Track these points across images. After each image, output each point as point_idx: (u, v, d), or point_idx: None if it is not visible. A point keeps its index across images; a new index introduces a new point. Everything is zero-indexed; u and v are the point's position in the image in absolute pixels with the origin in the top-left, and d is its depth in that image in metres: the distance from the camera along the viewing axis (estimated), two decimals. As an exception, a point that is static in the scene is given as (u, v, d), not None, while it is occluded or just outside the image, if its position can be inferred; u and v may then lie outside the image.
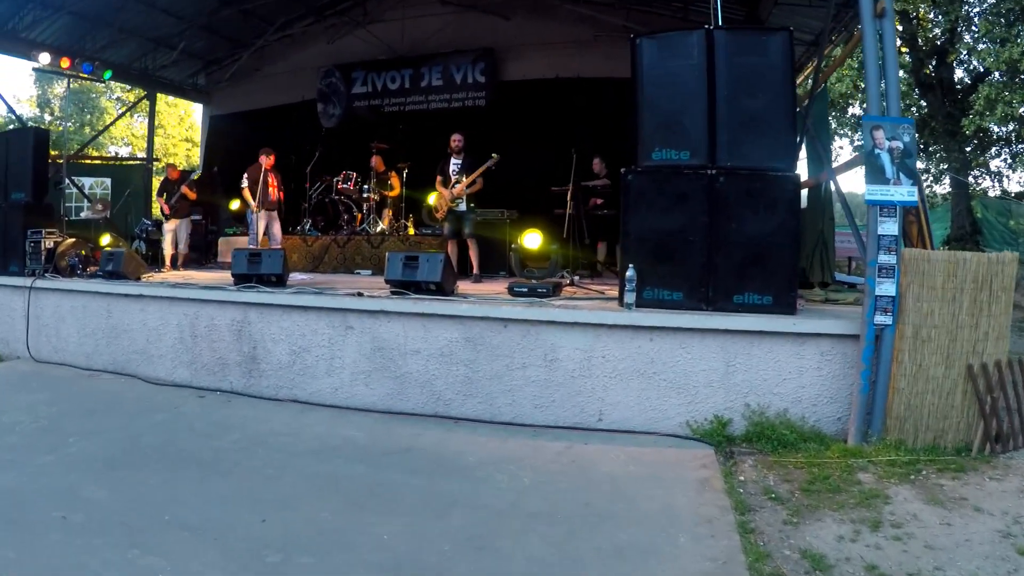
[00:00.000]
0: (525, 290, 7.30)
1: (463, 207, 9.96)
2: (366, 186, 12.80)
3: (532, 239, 8.21)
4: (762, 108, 6.30)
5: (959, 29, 20.36)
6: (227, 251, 12.88)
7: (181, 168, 14.10)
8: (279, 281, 8.34)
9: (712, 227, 6.26)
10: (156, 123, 23.19)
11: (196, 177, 13.01)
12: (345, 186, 12.98)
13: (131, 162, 19.67)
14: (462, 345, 6.68)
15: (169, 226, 12.56)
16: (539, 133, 13.04)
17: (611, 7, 13.47)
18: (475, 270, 10.03)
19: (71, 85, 29.73)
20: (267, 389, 7.53)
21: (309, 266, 12.28)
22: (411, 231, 12.38)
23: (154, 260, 12.91)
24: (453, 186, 9.87)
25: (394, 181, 13.12)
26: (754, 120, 6.31)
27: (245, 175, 11.12)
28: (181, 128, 39.28)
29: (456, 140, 10.17)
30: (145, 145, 22.18)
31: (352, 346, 7.12)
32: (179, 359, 8.13)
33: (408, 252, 7.91)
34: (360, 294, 7.37)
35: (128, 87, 25.85)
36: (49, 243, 9.85)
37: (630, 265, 6.33)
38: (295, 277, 10.00)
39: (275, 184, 11.20)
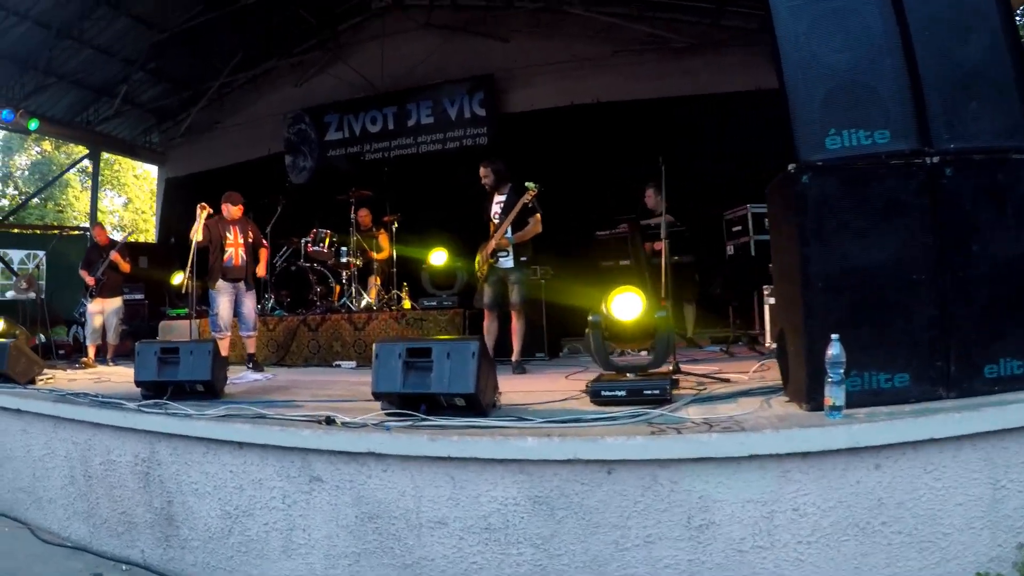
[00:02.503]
0: (621, 393, 4.29)
1: (508, 262, 7.22)
2: (344, 248, 9.97)
3: (628, 304, 4.80)
4: (980, 56, 3.81)
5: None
6: (169, 337, 10.18)
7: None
8: (209, 392, 5.57)
9: (942, 254, 3.67)
10: (125, 196, 20.88)
11: (129, 240, 10.39)
12: (317, 248, 10.05)
13: (73, 232, 17.01)
14: (527, 511, 3.69)
15: (94, 307, 9.90)
16: (558, 171, 10.10)
17: (630, 16, 11.49)
18: (515, 355, 7.30)
19: (33, 156, 28.35)
20: (194, 568, 4.67)
21: (272, 356, 9.39)
22: (407, 304, 9.61)
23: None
24: (492, 233, 7.29)
25: (382, 240, 10.50)
26: (973, 75, 3.80)
27: (199, 228, 8.05)
28: (153, 200, 36.63)
29: (483, 172, 7.46)
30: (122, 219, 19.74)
31: (323, 510, 4.18)
32: (73, 507, 5.42)
33: (411, 341, 4.84)
34: (330, 421, 4.28)
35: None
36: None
37: (834, 338, 3.43)
38: (245, 378, 7.37)
39: (244, 242, 8.26)
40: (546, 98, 12.22)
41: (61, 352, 11.04)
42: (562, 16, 12.02)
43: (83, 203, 32.54)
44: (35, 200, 29.38)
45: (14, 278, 13.41)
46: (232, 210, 8.28)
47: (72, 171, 32.81)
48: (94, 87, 13.37)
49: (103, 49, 12.29)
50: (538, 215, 7.12)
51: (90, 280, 9.87)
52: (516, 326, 7.28)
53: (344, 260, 9.90)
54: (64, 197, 31.26)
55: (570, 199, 10.31)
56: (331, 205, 10.70)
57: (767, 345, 7.31)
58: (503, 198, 7.31)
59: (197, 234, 7.81)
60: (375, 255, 10.28)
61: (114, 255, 9.82)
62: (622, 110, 11.52)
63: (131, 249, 11.56)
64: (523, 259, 7.26)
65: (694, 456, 3.43)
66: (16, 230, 15.72)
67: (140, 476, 4.95)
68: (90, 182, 32.85)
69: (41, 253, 14.67)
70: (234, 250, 8.11)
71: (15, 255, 14.53)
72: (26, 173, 31.81)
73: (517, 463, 3.67)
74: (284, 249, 10.85)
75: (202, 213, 7.87)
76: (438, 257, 8.95)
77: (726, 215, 9.42)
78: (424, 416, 4.19)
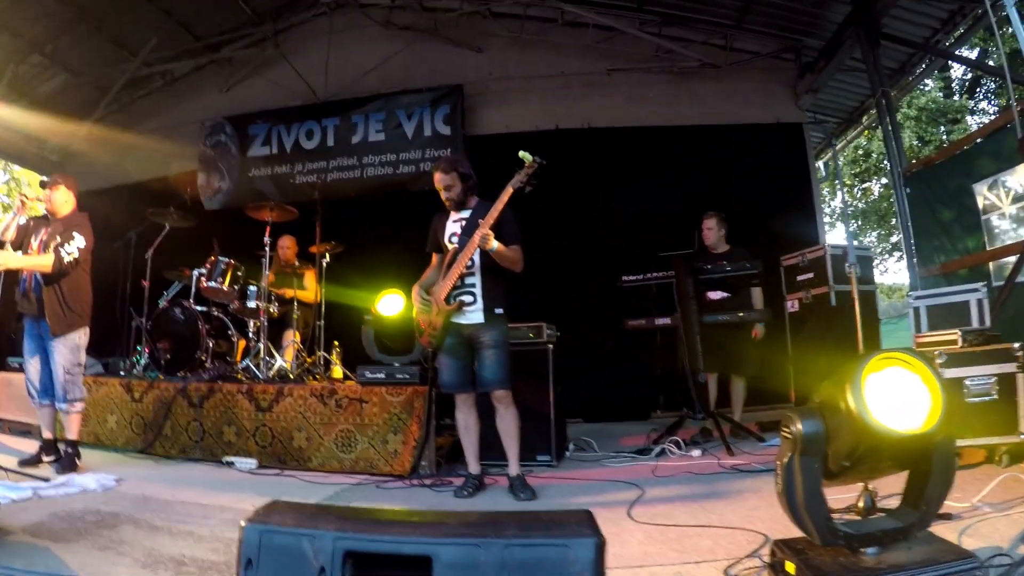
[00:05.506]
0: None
1: (476, 314, 4.77)
2: (254, 287, 7.23)
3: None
4: None
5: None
6: (7, 395, 7.31)
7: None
8: None
9: None
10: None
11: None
12: (213, 284, 7.22)
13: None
14: None
15: None
16: (539, 207, 7.73)
17: (628, 19, 9.82)
18: (513, 467, 4.78)
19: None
20: None
21: (136, 440, 6.48)
22: (337, 373, 6.94)
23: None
24: (448, 266, 4.80)
25: (308, 279, 7.84)
26: None
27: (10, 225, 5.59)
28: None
29: (446, 179, 4.90)
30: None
31: None
32: None
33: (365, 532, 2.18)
34: None
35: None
36: None
37: None
38: (67, 485, 4.73)
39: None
40: (525, 119, 10.07)
41: None
42: (549, 25, 10.06)
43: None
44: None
45: None
46: (57, 199, 5.71)
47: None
48: None
49: None
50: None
51: None
52: (503, 422, 4.78)
53: (252, 304, 7.16)
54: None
55: (560, 242, 8.82)
56: (244, 233, 8.02)
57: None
58: (465, 215, 4.89)
59: (8, 232, 5.41)
60: (298, 295, 7.62)
61: None
62: (618, 138, 9.60)
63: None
64: (497, 310, 4.79)
65: None
66: None
67: None
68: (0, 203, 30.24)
69: None
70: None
71: None
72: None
73: None
74: (173, 286, 8.01)
75: (24, 206, 5.53)
76: (390, 304, 6.25)
77: (785, 260, 7.66)
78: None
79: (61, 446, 5.60)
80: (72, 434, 5.54)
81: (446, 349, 4.80)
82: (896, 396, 2.24)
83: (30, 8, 9.65)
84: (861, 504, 2.51)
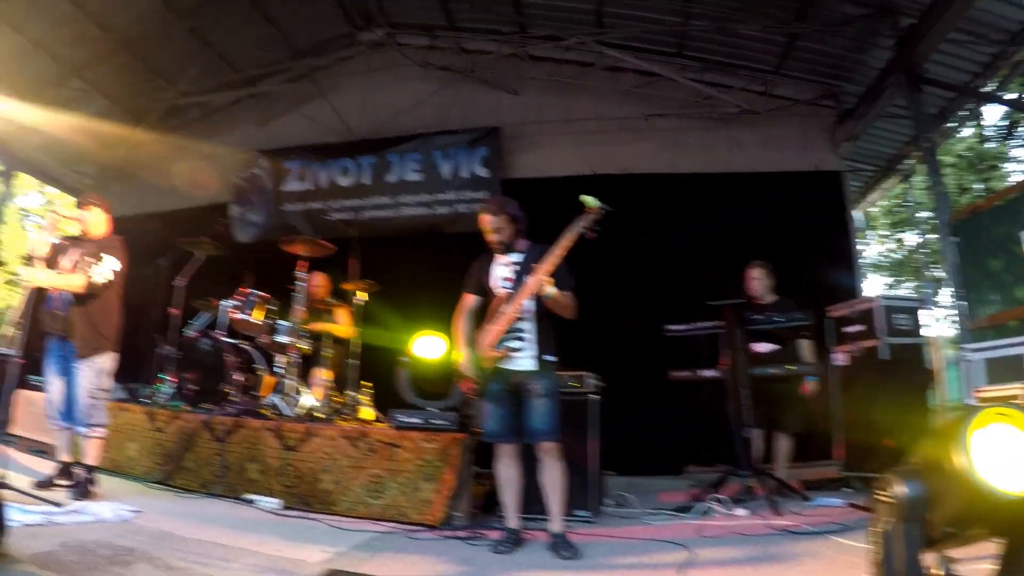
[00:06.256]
0: None
1: (527, 360, 4.59)
2: (285, 323, 7.09)
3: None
4: None
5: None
6: (28, 414, 7.18)
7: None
8: None
9: None
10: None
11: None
12: (244, 317, 7.09)
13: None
14: None
15: None
16: (578, 255, 7.63)
17: (668, 64, 9.75)
18: (556, 523, 4.56)
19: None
20: None
21: (156, 471, 6.32)
22: (368, 414, 6.76)
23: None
24: (498, 311, 4.64)
25: (341, 316, 7.68)
26: None
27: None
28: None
29: (495, 221, 4.77)
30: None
31: None
32: None
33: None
34: None
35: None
36: None
37: None
38: (81, 513, 4.55)
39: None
40: (562, 164, 9.95)
41: None
42: (587, 69, 10.02)
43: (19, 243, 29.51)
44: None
45: None
46: (90, 219, 5.65)
47: (14, 207, 30.08)
48: (19, 89, 10.52)
49: (33, 39, 9.75)
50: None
51: None
52: (549, 475, 4.57)
53: (282, 340, 7.00)
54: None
55: (597, 288, 8.02)
56: (275, 267, 7.93)
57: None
58: (518, 259, 4.73)
59: (41, 248, 5.28)
60: (332, 330, 7.47)
61: None
62: (656, 185, 9.40)
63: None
64: (548, 358, 4.60)
65: None
66: None
67: None
68: (33, 223, 30.44)
69: None
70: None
71: None
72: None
73: None
74: (199, 316, 7.84)
75: (56, 224, 5.40)
76: (429, 347, 6.10)
77: (831, 312, 7.29)
78: None
79: (77, 471, 5.43)
80: (90, 460, 5.38)
81: (491, 396, 4.61)
82: (1002, 454, 2.06)
83: (71, 33, 9.76)
84: (943, 573, 2.31)
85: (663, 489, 6.90)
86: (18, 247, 28.51)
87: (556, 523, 4.52)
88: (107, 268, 5.40)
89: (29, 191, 29.99)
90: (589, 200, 4.48)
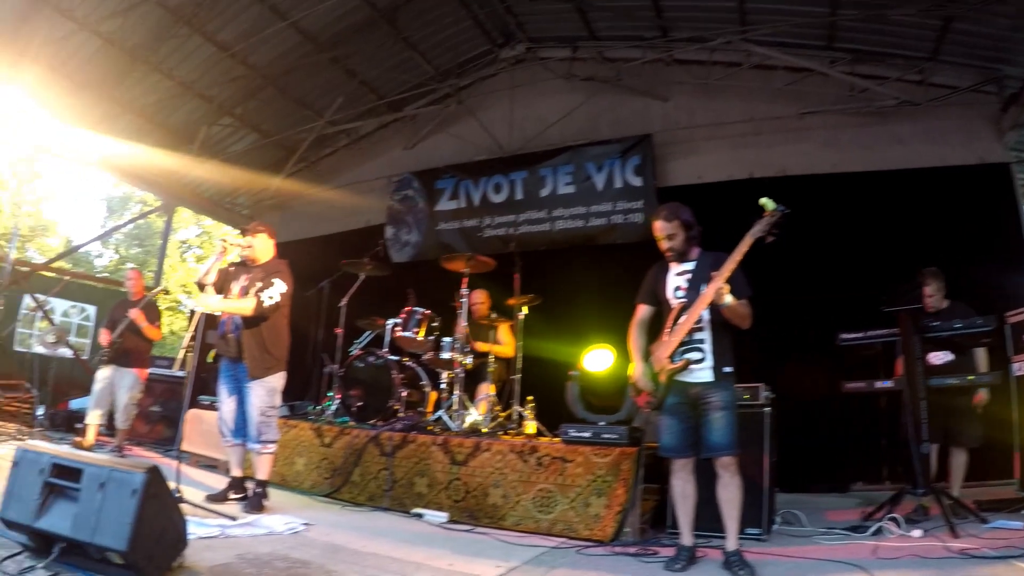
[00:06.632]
0: None
1: (704, 372, 4.38)
2: (448, 340, 7.08)
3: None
4: None
5: None
6: (197, 432, 7.57)
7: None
8: (131, 569, 2.95)
9: None
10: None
11: (161, 295, 8.21)
12: (408, 335, 7.23)
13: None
14: None
15: (102, 374, 7.70)
16: (752, 261, 7.32)
17: (817, 58, 9.18)
18: (731, 541, 4.30)
19: (133, 222, 27.36)
20: None
21: (323, 484, 6.48)
22: (530, 428, 6.65)
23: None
24: (675, 321, 4.44)
25: (503, 333, 7.68)
26: None
27: (213, 267, 5.69)
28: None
29: (668, 228, 4.56)
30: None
31: None
32: None
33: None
34: None
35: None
36: None
37: None
38: (253, 526, 4.68)
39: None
40: (717, 169, 9.60)
41: (78, 425, 8.77)
42: (735, 69, 9.60)
43: (180, 274, 31.18)
44: (129, 266, 28.28)
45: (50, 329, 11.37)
46: (258, 246, 5.79)
47: (173, 240, 31.88)
48: (173, 129, 11.32)
49: (183, 83, 10.34)
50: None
51: (104, 339, 7.72)
52: (724, 490, 4.31)
53: (446, 356, 6.99)
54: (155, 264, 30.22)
55: (764, 296, 7.81)
56: (434, 285, 8.05)
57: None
58: (689, 267, 4.52)
59: (209, 275, 5.50)
60: (494, 350, 7.39)
61: (134, 314, 7.59)
62: (816, 186, 8.87)
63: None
64: (727, 369, 4.36)
65: None
66: (67, 278, 13.36)
67: None
68: (192, 254, 32.11)
69: (91, 308, 12.79)
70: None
71: (59, 305, 12.37)
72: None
73: None
74: (366, 335, 8.08)
75: (225, 251, 5.50)
76: (598, 360, 5.87)
77: (1010, 317, 6.66)
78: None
79: (250, 485, 5.58)
80: (263, 474, 5.52)
81: (668, 410, 4.43)
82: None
83: (218, 74, 10.29)
84: None
85: (829, 507, 6.54)
86: (179, 277, 30.34)
87: (731, 541, 4.28)
88: (276, 291, 5.52)
89: (188, 225, 31.90)
90: (767, 202, 4.28)
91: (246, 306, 5.44)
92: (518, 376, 7.24)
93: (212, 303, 5.47)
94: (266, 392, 5.54)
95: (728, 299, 4.15)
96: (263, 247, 5.77)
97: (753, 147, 9.52)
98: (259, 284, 5.51)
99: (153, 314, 7.98)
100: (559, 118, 10.57)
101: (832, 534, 5.31)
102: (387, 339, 7.51)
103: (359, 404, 7.25)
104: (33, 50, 8.78)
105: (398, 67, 11.09)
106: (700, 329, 4.36)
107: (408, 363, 7.42)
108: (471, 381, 7.29)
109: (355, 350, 7.68)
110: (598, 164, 9.97)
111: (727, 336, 4.41)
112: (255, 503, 5.36)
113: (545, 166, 10.38)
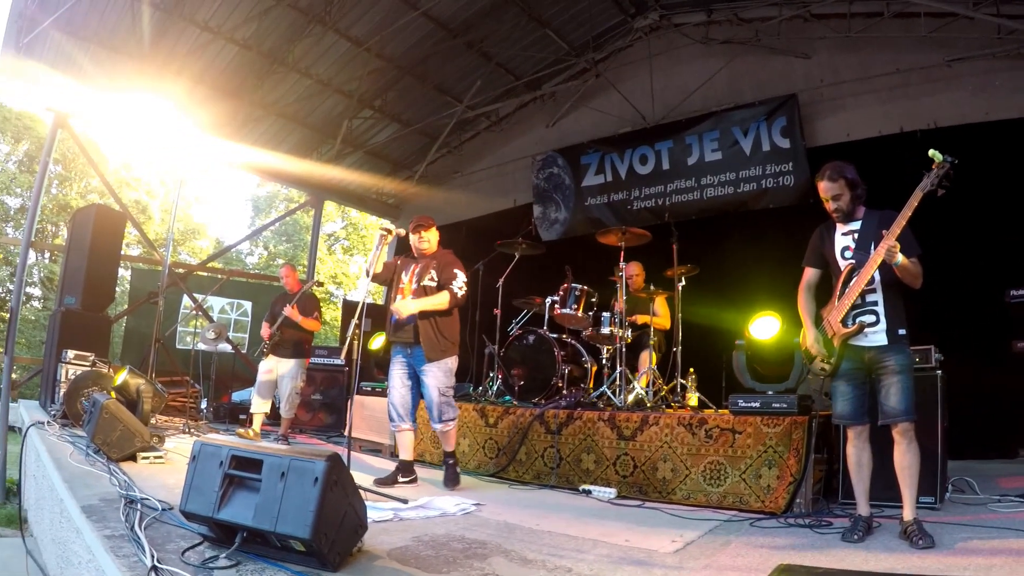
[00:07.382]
0: None
1: (879, 336, 4.23)
2: (607, 315, 7.07)
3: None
4: None
5: None
6: (360, 417, 7.93)
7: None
8: (314, 556, 2.99)
9: None
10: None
11: (315, 287, 8.90)
12: (568, 311, 7.21)
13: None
14: None
15: (264, 365, 8.14)
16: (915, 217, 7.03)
17: (965, 1, 8.43)
18: (908, 511, 4.11)
19: (281, 220, 28.39)
20: None
21: (489, 464, 6.65)
22: (692, 400, 6.61)
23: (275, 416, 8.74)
24: (844, 284, 4.32)
25: (660, 305, 7.63)
26: None
27: (378, 258, 5.75)
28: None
29: (833, 188, 4.35)
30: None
31: None
32: None
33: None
34: None
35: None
36: (70, 372, 7.76)
37: None
38: (427, 507, 4.80)
39: (418, 287, 5.87)
40: (864, 125, 9.21)
41: (242, 416, 9.50)
42: (875, 20, 9.09)
43: (328, 266, 32.21)
44: (278, 261, 29.50)
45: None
46: (421, 240, 5.96)
47: (321, 234, 32.98)
48: (314, 126, 11.83)
49: (321, 80, 10.78)
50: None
51: (265, 333, 8.14)
52: (902, 457, 4.14)
53: (606, 331, 6.98)
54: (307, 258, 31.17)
55: (926, 253, 7.54)
56: (586, 260, 8.03)
57: None
58: (855, 227, 4.36)
59: (377, 264, 5.64)
60: (651, 322, 7.34)
61: (288, 310, 7.97)
62: (971, 136, 8.32)
63: (346, 308, 9.84)
64: (901, 332, 4.19)
65: None
66: (223, 276, 14.25)
67: None
68: (340, 247, 33.06)
69: (247, 304, 13.58)
70: (401, 298, 5.83)
71: (216, 303, 13.22)
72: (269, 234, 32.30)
73: None
74: (524, 314, 8.22)
75: (385, 239, 5.64)
76: (764, 327, 5.77)
77: None
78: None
79: (448, 460, 5.85)
80: (450, 446, 5.82)
81: (842, 375, 4.30)
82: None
83: (355, 68, 10.63)
84: None
85: (998, 474, 6.18)
86: (328, 269, 31.34)
87: (909, 510, 4.10)
88: (461, 281, 5.79)
89: (334, 219, 32.86)
90: (936, 154, 4.04)
91: (443, 301, 5.69)
92: (678, 348, 7.21)
93: (411, 305, 5.69)
94: (443, 373, 5.75)
95: (900, 258, 3.99)
96: (435, 238, 5.99)
97: (901, 100, 9.09)
98: (432, 272, 5.76)
99: (310, 306, 8.32)
100: (700, 84, 10.35)
101: (1008, 502, 5.07)
102: (546, 316, 7.56)
103: (521, 383, 7.34)
104: (176, 63, 9.28)
105: (533, 46, 11.12)
106: (872, 291, 4.23)
107: (568, 340, 7.45)
108: (631, 353, 7.30)
109: (514, 330, 7.80)
110: (744, 128, 9.73)
111: (899, 297, 4.25)
112: (451, 475, 5.72)
113: (690, 134, 10.20)
